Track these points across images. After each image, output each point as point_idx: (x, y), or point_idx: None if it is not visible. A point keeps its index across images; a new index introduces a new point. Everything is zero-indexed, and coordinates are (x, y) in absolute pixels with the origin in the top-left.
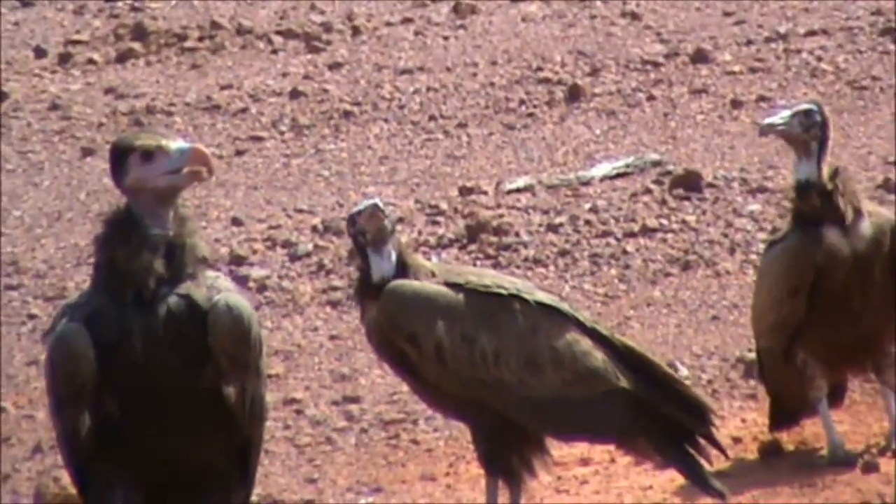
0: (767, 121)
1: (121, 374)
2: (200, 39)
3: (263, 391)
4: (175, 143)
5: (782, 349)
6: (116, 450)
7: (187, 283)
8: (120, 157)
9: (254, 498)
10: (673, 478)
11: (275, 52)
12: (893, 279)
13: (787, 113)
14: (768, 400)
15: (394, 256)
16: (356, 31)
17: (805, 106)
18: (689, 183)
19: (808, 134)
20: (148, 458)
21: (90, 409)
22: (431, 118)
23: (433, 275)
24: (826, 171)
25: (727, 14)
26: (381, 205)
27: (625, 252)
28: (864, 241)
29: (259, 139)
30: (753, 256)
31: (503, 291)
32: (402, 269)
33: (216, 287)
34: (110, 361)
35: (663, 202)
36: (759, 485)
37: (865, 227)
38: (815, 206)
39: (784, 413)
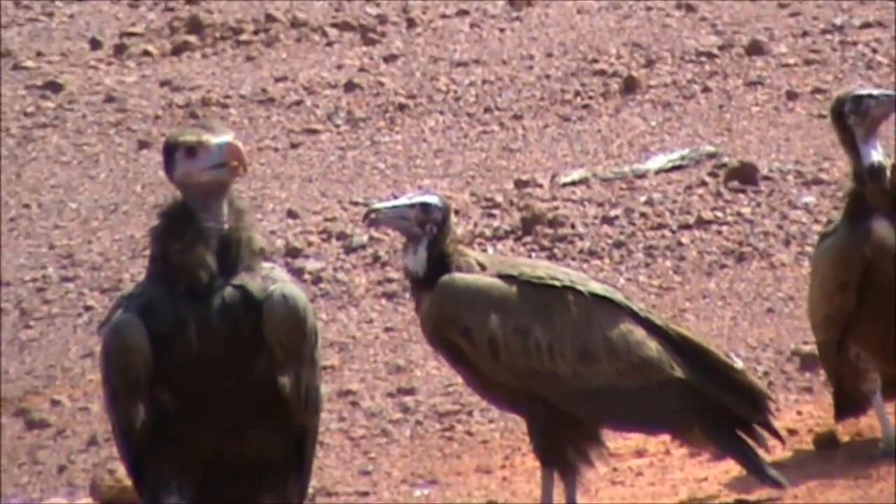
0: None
1: (176, 366)
2: (255, 32)
3: (318, 382)
4: (217, 139)
5: (836, 342)
6: (171, 442)
7: (242, 274)
8: (168, 152)
9: (308, 490)
10: (728, 469)
11: (330, 44)
12: None
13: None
14: (832, 390)
15: (423, 253)
16: (411, 23)
17: (865, 91)
18: (745, 175)
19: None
20: (203, 449)
21: (145, 401)
22: (487, 110)
23: (483, 267)
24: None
25: (782, 6)
26: (382, 208)
27: (680, 244)
28: None
29: (314, 132)
30: (808, 248)
31: (557, 283)
32: (443, 263)
33: (271, 277)
34: (165, 353)
35: (718, 194)
36: (815, 476)
37: None
38: (885, 189)
39: (848, 403)
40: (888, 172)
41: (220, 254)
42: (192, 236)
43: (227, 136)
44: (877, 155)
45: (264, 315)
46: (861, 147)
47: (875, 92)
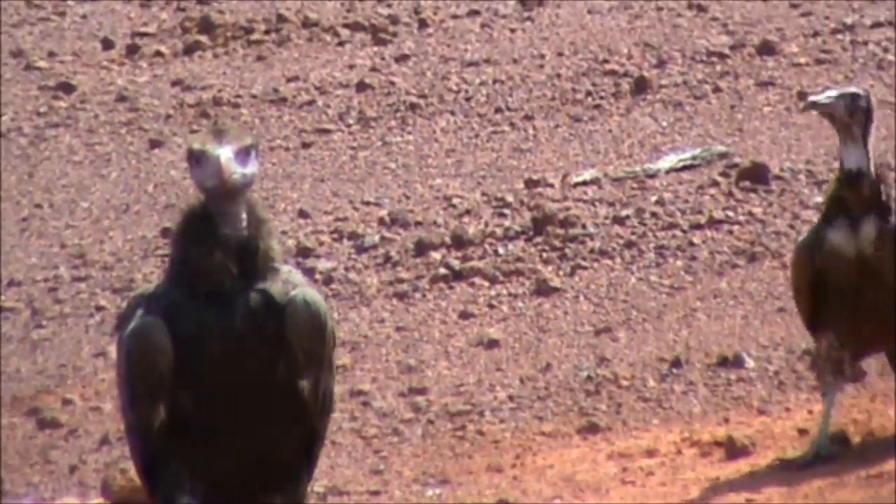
0: (812, 98)
1: (197, 369)
2: (267, 32)
3: (333, 384)
4: (219, 148)
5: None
6: (187, 444)
7: (263, 277)
8: (187, 157)
9: (320, 489)
10: (739, 469)
11: (341, 44)
12: None
13: (833, 93)
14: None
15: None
16: (423, 23)
17: (853, 89)
18: (756, 175)
19: (852, 118)
20: (219, 451)
21: (165, 404)
22: (498, 110)
23: None
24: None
25: (794, 5)
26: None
27: (691, 244)
28: (870, 241)
29: (326, 132)
30: None
31: None
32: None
33: (291, 281)
34: (187, 356)
35: (730, 194)
36: (825, 475)
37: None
38: (865, 196)
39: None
40: (867, 178)
41: (239, 261)
42: (211, 242)
43: (221, 149)
44: (857, 161)
45: (287, 319)
46: (842, 149)
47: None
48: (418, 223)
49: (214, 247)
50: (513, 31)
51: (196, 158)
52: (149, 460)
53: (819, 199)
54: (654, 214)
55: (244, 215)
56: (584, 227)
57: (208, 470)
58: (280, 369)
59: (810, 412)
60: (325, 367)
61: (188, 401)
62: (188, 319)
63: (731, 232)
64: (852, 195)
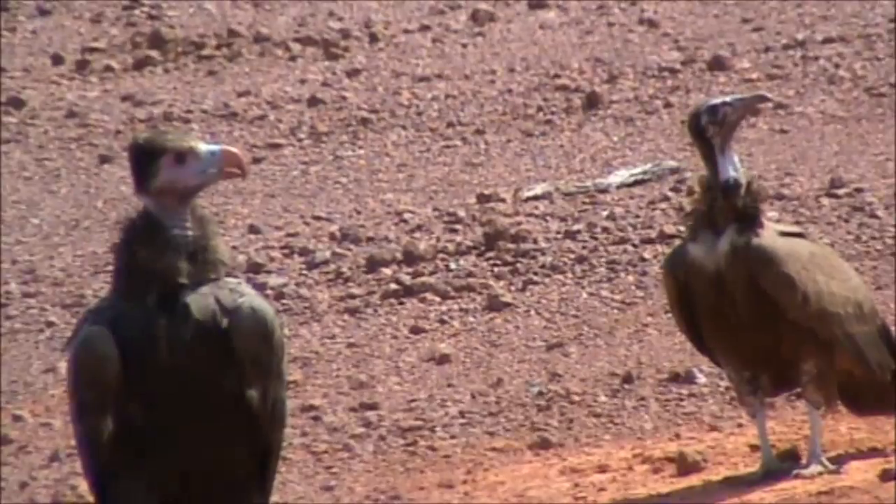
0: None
1: (145, 379)
2: (218, 47)
3: (284, 396)
4: (204, 145)
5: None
6: (137, 456)
7: (211, 286)
8: (150, 157)
9: None
10: (691, 484)
11: (293, 59)
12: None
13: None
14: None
15: None
16: (374, 38)
17: (713, 101)
18: None
19: (719, 131)
20: (169, 464)
21: (113, 415)
22: (449, 125)
23: None
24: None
25: (745, 21)
26: None
27: (642, 259)
28: (724, 255)
29: (277, 146)
30: None
31: None
32: None
33: (239, 291)
34: (134, 365)
35: (681, 209)
36: (776, 491)
37: (757, 240)
38: (738, 207)
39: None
40: (742, 189)
41: (189, 261)
42: (161, 244)
43: (208, 144)
44: (733, 171)
45: (233, 328)
46: (719, 160)
47: (728, 98)
48: (370, 238)
49: (165, 248)
50: (464, 46)
51: (179, 157)
52: (99, 474)
53: (770, 214)
54: (605, 229)
55: (189, 217)
56: (535, 241)
57: (160, 484)
58: (228, 379)
59: None
60: (273, 377)
61: (137, 413)
62: (135, 329)
63: None
64: (727, 206)
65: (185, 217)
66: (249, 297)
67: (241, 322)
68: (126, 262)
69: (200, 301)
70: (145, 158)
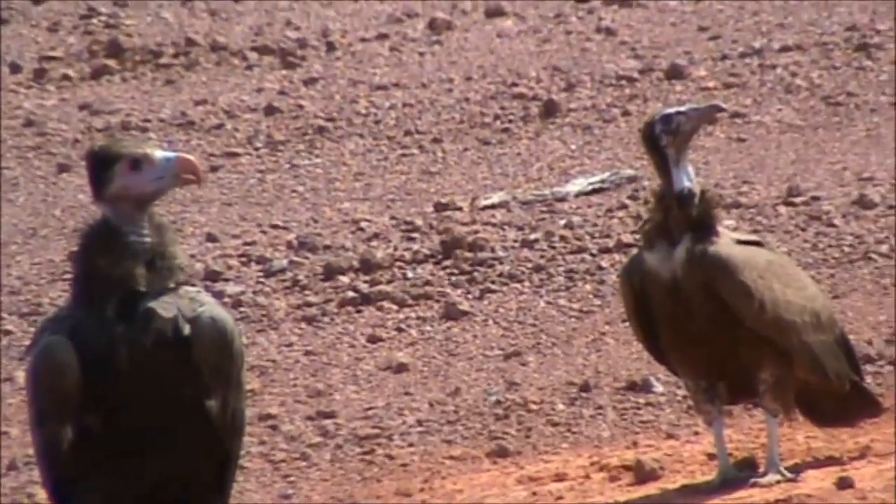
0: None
1: (105, 387)
2: (175, 56)
3: (244, 405)
4: (159, 152)
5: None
6: (96, 467)
7: (170, 295)
8: (105, 164)
9: None
10: (648, 493)
11: (250, 68)
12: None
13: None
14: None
15: None
16: (331, 46)
17: (667, 111)
18: None
19: (673, 141)
20: (128, 473)
21: (72, 423)
22: (407, 134)
23: None
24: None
25: (702, 29)
26: None
27: (600, 268)
28: (681, 263)
29: (234, 155)
30: None
31: None
32: None
33: (199, 300)
34: (94, 374)
35: (638, 218)
36: (733, 500)
37: (712, 248)
38: (692, 217)
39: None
40: (696, 199)
41: (147, 268)
42: (120, 251)
43: (164, 151)
44: (687, 181)
45: (193, 336)
46: (672, 170)
47: (683, 108)
48: (326, 247)
49: (124, 255)
50: (421, 54)
51: (134, 164)
52: (58, 483)
53: (727, 222)
54: (562, 238)
55: (146, 223)
56: (492, 250)
57: (119, 493)
58: (187, 388)
59: None
60: (233, 386)
61: (96, 422)
62: (95, 337)
63: None
64: (681, 215)
65: (142, 224)
66: (209, 307)
67: (201, 331)
68: (85, 270)
69: (160, 310)
70: (101, 165)
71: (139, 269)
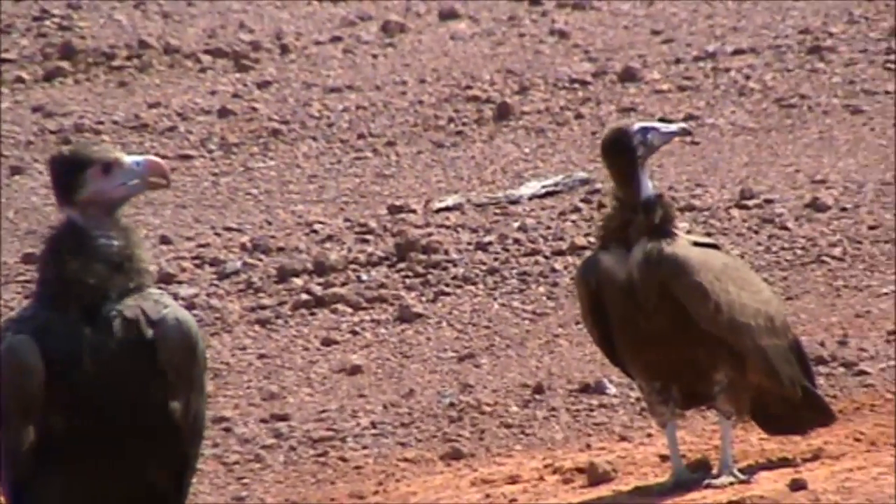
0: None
1: (69, 389)
2: (128, 58)
3: (204, 408)
4: (128, 157)
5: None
6: (58, 467)
7: (135, 297)
8: (76, 169)
9: None
10: (601, 495)
11: (203, 70)
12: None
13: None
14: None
15: None
16: (285, 49)
17: (647, 124)
18: None
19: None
20: (90, 477)
21: (35, 424)
22: (360, 136)
23: None
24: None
25: (655, 33)
26: None
27: (553, 270)
28: (636, 264)
29: (187, 158)
30: None
31: None
32: None
33: (163, 302)
34: (59, 375)
35: (591, 220)
36: (687, 501)
37: (669, 250)
38: (654, 222)
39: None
40: (658, 205)
41: (116, 269)
42: (89, 254)
43: (131, 156)
44: (652, 188)
45: (159, 338)
46: (642, 179)
47: (656, 125)
48: (280, 249)
49: (93, 259)
50: (375, 57)
51: (105, 168)
52: (18, 484)
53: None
54: (516, 241)
55: (113, 226)
56: (446, 253)
57: (77, 495)
58: (152, 390)
59: None
60: (196, 388)
61: (60, 423)
62: (60, 339)
63: None
64: (645, 221)
65: (110, 227)
66: (173, 309)
67: (166, 333)
68: (52, 273)
69: (125, 312)
70: (71, 170)
71: (107, 272)
